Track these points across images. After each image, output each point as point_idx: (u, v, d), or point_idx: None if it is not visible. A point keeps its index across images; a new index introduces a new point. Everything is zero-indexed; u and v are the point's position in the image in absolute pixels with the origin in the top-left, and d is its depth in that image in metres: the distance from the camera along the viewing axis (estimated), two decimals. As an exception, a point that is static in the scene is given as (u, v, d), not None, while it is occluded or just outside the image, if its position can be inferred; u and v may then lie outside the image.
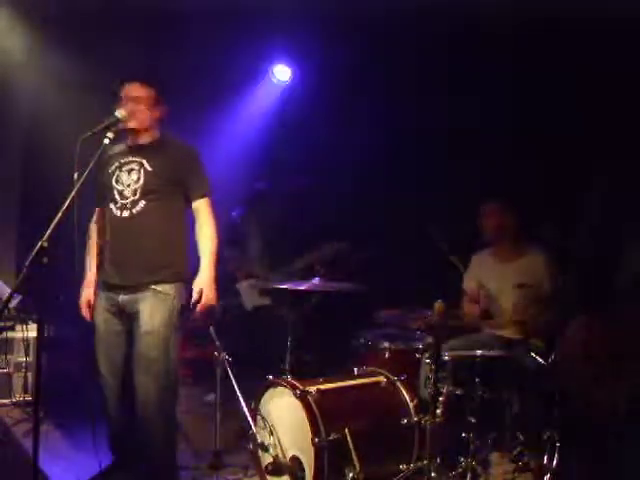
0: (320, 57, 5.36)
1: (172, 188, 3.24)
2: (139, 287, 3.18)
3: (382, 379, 3.49)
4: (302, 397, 3.16)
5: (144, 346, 3.14)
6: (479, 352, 3.43)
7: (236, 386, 3.28)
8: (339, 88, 5.38)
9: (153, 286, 3.18)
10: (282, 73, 5.79)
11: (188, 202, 3.31)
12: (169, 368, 3.15)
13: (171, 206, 3.26)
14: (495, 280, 4.01)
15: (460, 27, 4.62)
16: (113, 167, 3.25)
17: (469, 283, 4.13)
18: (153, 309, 3.16)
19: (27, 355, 4.58)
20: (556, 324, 3.72)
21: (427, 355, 3.59)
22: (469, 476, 3.21)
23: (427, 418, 3.19)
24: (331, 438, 3.06)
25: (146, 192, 3.18)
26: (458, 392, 3.37)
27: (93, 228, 3.42)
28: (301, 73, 5.80)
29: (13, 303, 4.41)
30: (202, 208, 3.31)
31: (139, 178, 3.19)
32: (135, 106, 3.13)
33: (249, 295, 5.24)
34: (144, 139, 3.26)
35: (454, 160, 4.90)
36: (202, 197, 3.31)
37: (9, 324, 4.61)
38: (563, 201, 4.46)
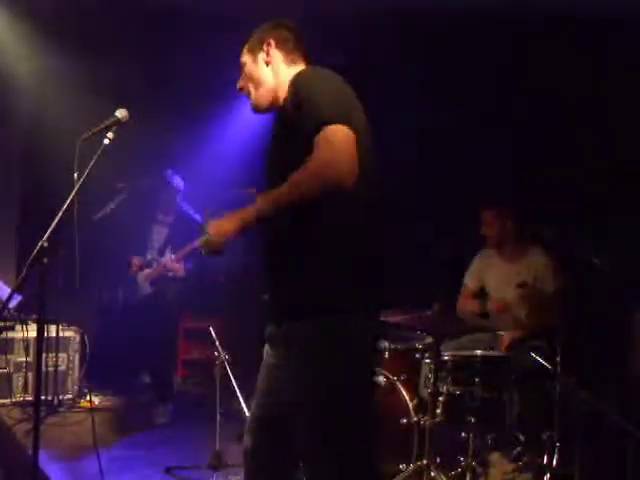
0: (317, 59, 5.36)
1: None
2: None
3: (382, 379, 3.49)
4: (302, 397, 3.15)
5: None
6: (479, 352, 3.44)
7: (236, 386, 3.28)
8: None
9: None
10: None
11: None
12: None
13: None
14: (498, 279, 4.02)
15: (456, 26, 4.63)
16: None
17: (471, 280, 4.15)
18: None
19: (27, 355, 4.58)
20: (558, 324, 3.71)
21: (427, 355, 3.59)
22: (469, 476, 3.22)
23: (427, 418, 3.20)
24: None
25: None
26: (458, 392, 3.37)
27: None
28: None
29: (13, 303, 4.42)
30: None
31: None
32: None
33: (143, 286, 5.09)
34: None
35: (451, 161, 4.91)
36: None
37: (9, 324, 4.61)
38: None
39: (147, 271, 4.98)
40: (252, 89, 2.27)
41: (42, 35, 4.98)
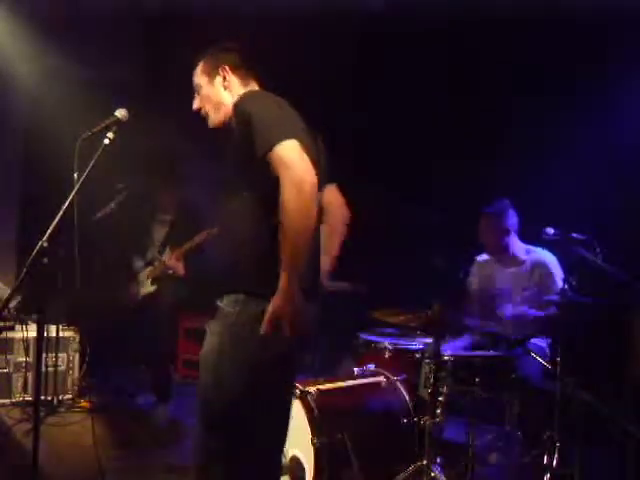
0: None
1: None
2: None
3: (382, 379, 3.49)
4: (302, 397, 3.15)
5: None
6: (479, 352, 3.44)
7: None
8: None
9: None
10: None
11: None
12: None
13: None
14: (500, 284, 4.01)
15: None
16: None
17: (470, 286, 4.14)
18: None
19: (27, 355, 4.58)
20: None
21: (427, 355, 3.59)
22: (469, 476, 3.21)
23: (427, 418, 3.19)
24: (331, 438, 3.06)
25: None
26: (458, 392, 3.37)
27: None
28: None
29: (13, 303, 4.42)
30: None
31: None
32: None
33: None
34: None
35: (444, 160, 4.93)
36: None
37: (9, 324, 4.61)
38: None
39: (148, 269, 4.98)
40: (212, 111, 2.40)
41: (42, 35, 4.99)
